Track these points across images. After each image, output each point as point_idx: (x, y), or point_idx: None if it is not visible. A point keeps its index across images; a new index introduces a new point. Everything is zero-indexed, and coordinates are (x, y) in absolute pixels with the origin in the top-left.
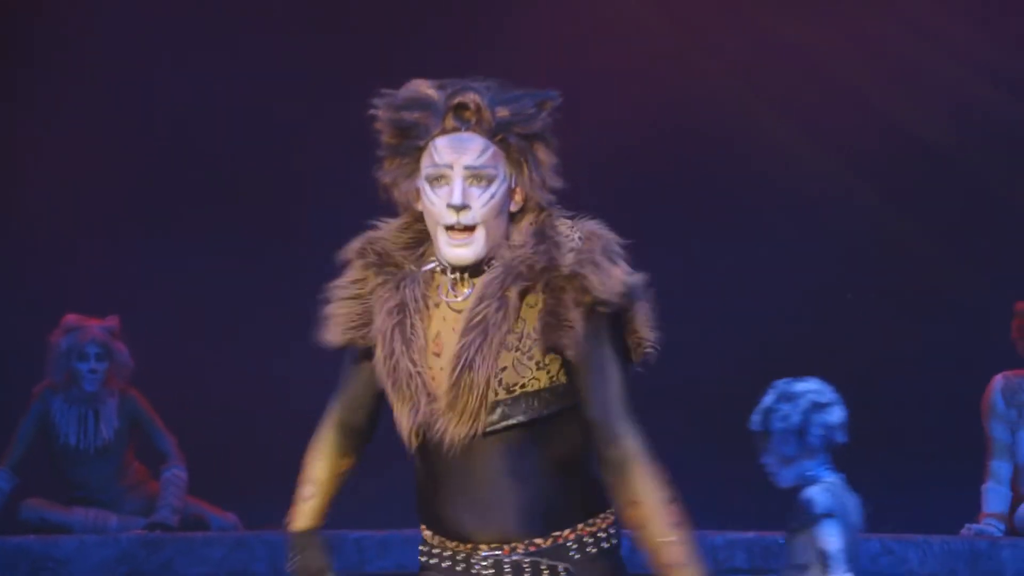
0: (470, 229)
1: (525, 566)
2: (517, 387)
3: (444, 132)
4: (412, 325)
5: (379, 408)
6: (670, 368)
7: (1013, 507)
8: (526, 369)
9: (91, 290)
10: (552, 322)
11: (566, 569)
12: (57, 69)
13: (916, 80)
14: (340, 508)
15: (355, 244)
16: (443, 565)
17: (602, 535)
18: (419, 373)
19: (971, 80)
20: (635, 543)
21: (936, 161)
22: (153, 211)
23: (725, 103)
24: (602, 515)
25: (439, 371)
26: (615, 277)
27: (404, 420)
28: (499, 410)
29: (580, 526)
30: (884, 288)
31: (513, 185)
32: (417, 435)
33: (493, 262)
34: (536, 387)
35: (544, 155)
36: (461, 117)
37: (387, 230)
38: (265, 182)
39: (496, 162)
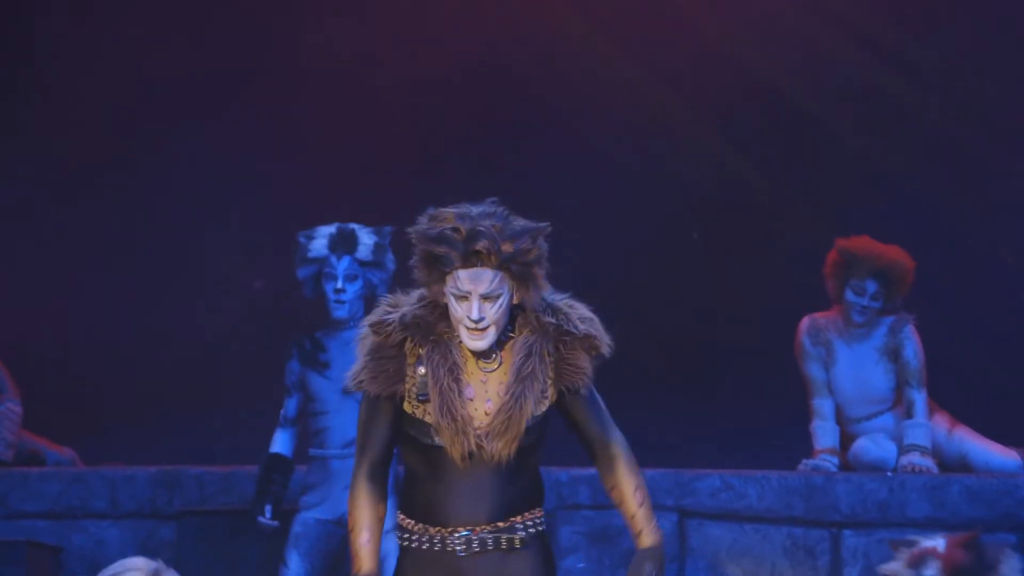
0: (484, 328)
1: (488, 540)
2: (536, 415)
3: (464, 266)
4: (461, 379)
5: (395, 443)
6: None
7: (844, 444)
8: (542, 401)
9: None
10: (570, 369)
11: (520, 541)
12: None
13: (765, 26)
14: (183, 445)
15: (392, 317)
16: (423, 547)
17: (539, 521)
18: (466, 414)
19: (820, 28)
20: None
21: (783, 108)
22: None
23: (575, 42)
24: (538, 508)
25: (474, 411)
26: (604, 335)
27: (456, 447)
28: (526, 433)
29: (526, 513)
30: (730, 228)
31: (514, 293)
32: (464, 460)
33: (511, 333)
34: (542, 414)
35: (538, 272)
36: (477, 256)
37: (418, 307)
38: (125, 119)
39: (502, 285)
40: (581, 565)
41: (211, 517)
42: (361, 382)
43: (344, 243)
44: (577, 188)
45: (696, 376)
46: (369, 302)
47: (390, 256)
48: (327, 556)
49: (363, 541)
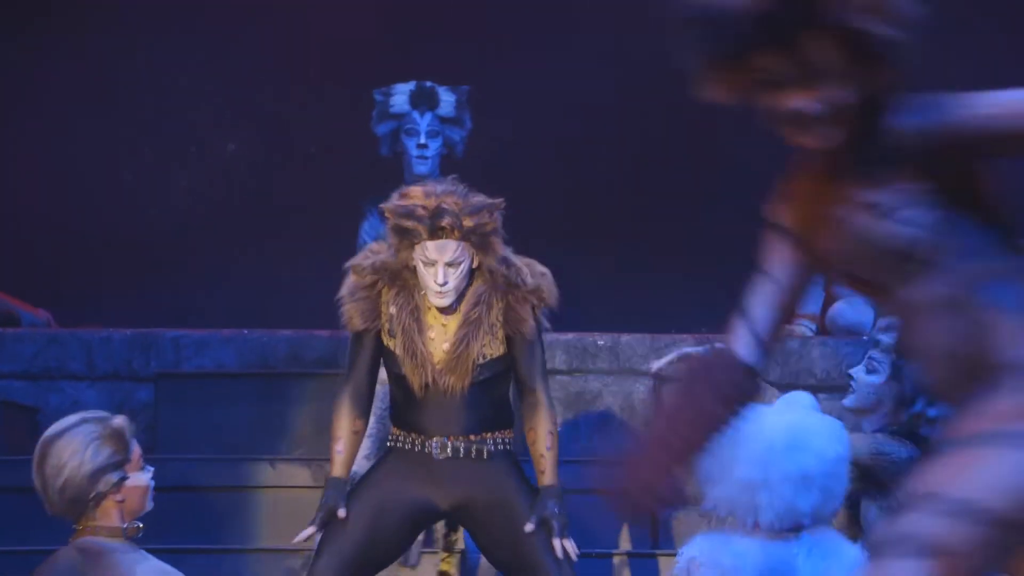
0: (448, 291)
1: (460, 448)
2: (490, 356)
3: (431, 238)
4: (422, 320)
5: (376, 374)
6: (497, 174)
7: (824, 308)
8: (496, 344)
9: None
10: (515, 317)
11: (488, 453)
12: None
13: None
14: (160, 309)
15: (367, 263)
16: (405, 448)
17: (507, 441)
18: (425, 350)
19: None
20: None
21: None
22: None
23: None
24: (506, 429)
25: (432, 349)
26: (552, 287)
27: (416, 379)
28: (479, 370)
29: (496, 432)
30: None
31: (473, 258)
32: (423, 390)
33: (469, 286)
34: (499, 355)
35: (495, 240)
36: (443, 230)
37: (388, 255)
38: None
39: (464, 253)
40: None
41: (188, 380)
42: (346, 321)
43: (426, 99)
44: (550, 56)
45: (672, 241)
46: (447, 161)
47: (468, 114)
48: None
49: (338, 450)
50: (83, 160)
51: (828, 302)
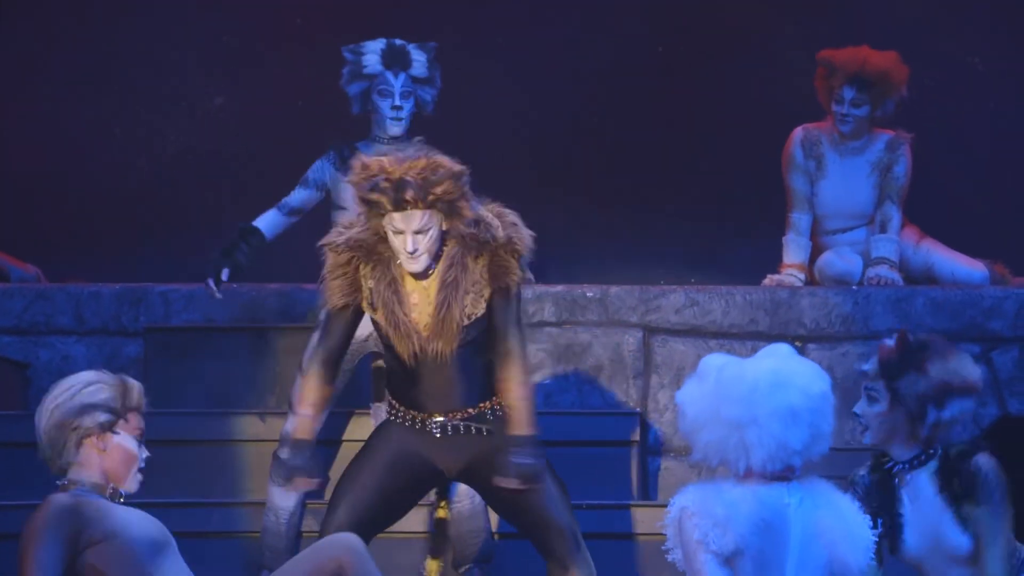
0: (419, 256)
1: (460, 426)
2: (475, 315)
3: (397, 209)
4: (401, 291)
5: (348, 346)
6: (485, 126)
7: (813, 257)
8: (479, 303)
9: None
10: (498, 270)
11: (487, 429)
12: None
13: None
14: (149, 263)
15: (340, 240)
16: (406, 424)
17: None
18: (408, 320)
19: None
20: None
21: None
22: None
23: None
24: None
25: (416, 317)
26: (523, 235)
27: (404, 349)
28: (465, 331)
29: (493, 399)
30: (693, 40)
31: (442, 223)
32: (412, 359)
33: (443, 248)
34: (483, 314)
35: (462, 205)
36: (407, 202)
37: (361, 231)
38: None
39: (431, 220)
40: (547, 382)
41: (177, 334)
42: (325, 300)
43: (398, 59)
44: (536, 11)
45: (661, 194)
46: (417, 119)
47: (438, 72)
48: (346, 374)
49: (305, 413)
50: (72, 114)
51: (816, 252)
